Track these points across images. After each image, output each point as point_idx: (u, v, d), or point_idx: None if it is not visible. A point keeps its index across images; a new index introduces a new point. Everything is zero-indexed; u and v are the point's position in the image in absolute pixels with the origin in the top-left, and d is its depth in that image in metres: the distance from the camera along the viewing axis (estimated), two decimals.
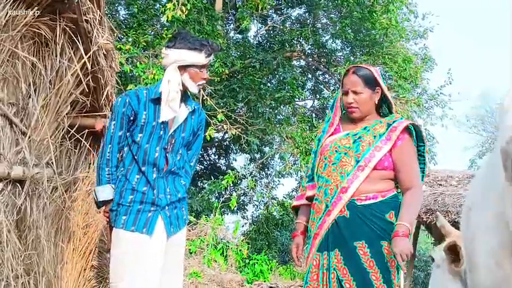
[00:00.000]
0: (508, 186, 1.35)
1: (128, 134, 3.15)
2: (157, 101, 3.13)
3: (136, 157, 3.12)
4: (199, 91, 10.61)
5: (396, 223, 2.94)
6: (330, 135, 3.18)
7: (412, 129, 3.14)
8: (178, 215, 3.21)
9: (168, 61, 3.14)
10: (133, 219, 3.05)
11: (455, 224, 8.71)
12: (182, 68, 3.13)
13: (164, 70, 3.18)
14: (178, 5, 9.89)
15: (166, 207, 3.13)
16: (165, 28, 11.37)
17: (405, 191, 3.05)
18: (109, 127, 3.18)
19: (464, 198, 8.80)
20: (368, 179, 2.98)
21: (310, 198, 3.20)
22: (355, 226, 2.94)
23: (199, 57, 3.12)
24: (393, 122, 3.10)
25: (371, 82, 3.11)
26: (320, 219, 3.00)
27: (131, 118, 3.12)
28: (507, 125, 1.33)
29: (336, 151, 3.07)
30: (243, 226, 14.67)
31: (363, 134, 3.08)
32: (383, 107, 3.27)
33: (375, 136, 3.06)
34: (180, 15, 9.92)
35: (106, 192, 3.13)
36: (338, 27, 14.42)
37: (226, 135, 14.75)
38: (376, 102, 3.15)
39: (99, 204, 3.19)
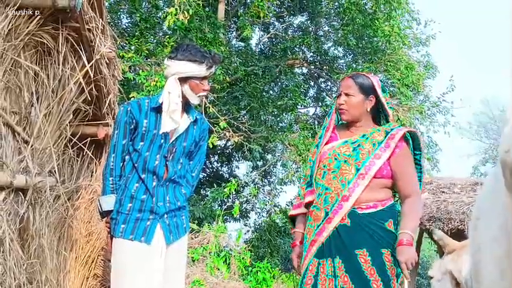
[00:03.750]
0: (508, 195, 1.35)
1: (130, 142, 3.16)
2: (158, 110, 3.14)
3: (136, 165, 3.12)
4: (202, 98, 10.55)
5: (399, 232, 2.95)
6: (327, 143, 3.20)
7: (408, 136, 3.18)
8: (178, 224, 3.21)
9: (169, 72, 3.15)
10: (131, 228, 3.05)
11: (459, 232, 8.67)
12: (183, 80, 3.14)
13: (166, 80, 3.19)
14: (180, 10, 9.90)
15: (165, 216, 3.13)
16: (167, 36, 11.39)
17: (404, 199, 3.06)
18: (112, 136, 3.21)
19: (467, 206, 8.78)
20: (368, 187, 2.99)
21: (307, 205, 3.20)
22: (356, 234, 2.95)
23: (199, 69, 3.12)
24: (391, 129, 3.13)
25: (366, 89, 3.16)
26: (318, 226, 3.00)
27: (132, 127, 3.13)
28: (505, 134, 1.33)
29: (335, 159, 3.08)
30: (245, 234, 14.64)
31: (362, 141, 3.10)
32: (382, 118, 3.29)
33: (374, 144, 3.08)
34: (182, 19, 9.93)
35: (109, 202, 3.14)
36: (340, 35, 14.44)
37: (229, 143, 14.74)
38: (368, 110, 3.18)
39: (103, 214, 3.19)
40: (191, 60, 3.11)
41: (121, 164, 3.16)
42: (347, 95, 3.15)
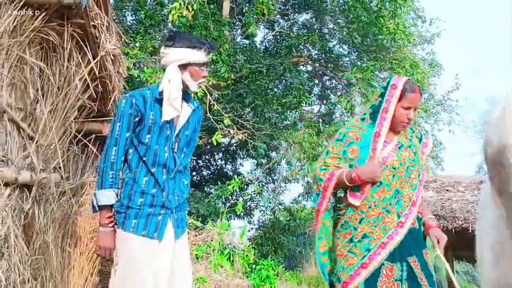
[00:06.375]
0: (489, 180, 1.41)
1: (133, 135, 3.09)
2: (161, 100, 3.10)
3: (144, 159, 3.05)
4: (207, 96, 10.52)
5: (429, 218, 3.26)
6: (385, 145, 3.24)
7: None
8: (183, 218, 3.19)
9: (168, 60, 3.11)
10: (143, 223, 2.99)
11: (463, 230, 8.65)
12: (183, 67, 3.11)
13: (164, 70, 3.14)
14: (184, 5, 9.89)
15: (174, 210, 3.11)
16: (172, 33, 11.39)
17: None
18: (113, 129, 3.08)
19: (472, 204, 8.76)
20: None
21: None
22: (421, 236, 3.22)
23: (199, 55, 3.11)
24: (421, 135, 3.36)
25: None
26: (390, 229, 3.09)
27: (137, 119, 3.06)
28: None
29: (404, 163, 3.17)
30: (249, 231, 14.65)
31: (413, 146, 3.26)
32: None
33: (418, 149, 3.27)
34: (186, 14, 9.91)
35: (109, 196, 3.04)
36: (345, 32, 14.41)
37: (233, 140, 14.75)
38: None
39: (97, 208, 3.07)
40: (190, 46, 3.09)
41: (123, 157, 3.10)
42: (415, 109, 3.22)
